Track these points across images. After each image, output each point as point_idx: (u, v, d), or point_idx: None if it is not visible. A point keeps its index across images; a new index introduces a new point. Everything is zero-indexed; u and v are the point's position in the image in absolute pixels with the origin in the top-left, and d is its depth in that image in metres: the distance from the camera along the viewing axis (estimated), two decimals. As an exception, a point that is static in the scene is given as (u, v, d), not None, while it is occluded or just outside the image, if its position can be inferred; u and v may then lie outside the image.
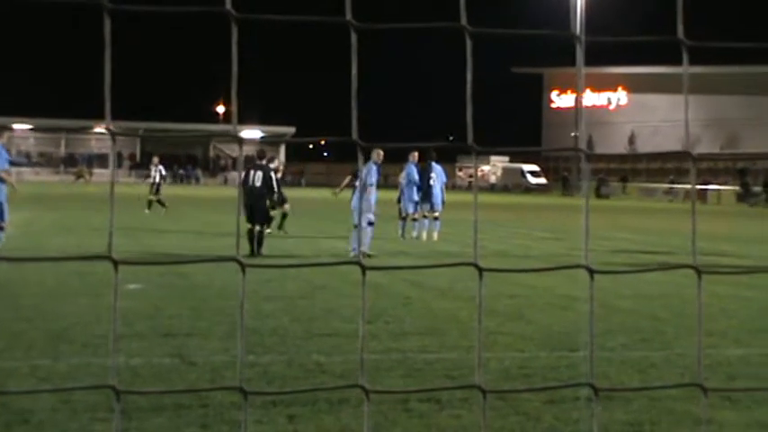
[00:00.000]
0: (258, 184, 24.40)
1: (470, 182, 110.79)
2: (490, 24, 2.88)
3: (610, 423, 8.81)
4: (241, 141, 2.64)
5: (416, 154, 31.94)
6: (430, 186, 31.59)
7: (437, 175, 32.19)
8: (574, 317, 14.60)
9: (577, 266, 2.77)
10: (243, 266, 2.30)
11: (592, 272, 2.61)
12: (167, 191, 46.58)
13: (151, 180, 45.43)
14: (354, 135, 2.65)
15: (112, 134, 2.26)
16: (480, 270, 2.58)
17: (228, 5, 2.18)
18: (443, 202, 31.60)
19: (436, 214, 31.54)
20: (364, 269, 2.53)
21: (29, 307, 14.21)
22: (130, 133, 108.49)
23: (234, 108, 2.41)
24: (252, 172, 24.86)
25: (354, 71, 2.44)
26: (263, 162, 25.50)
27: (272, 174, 25.34)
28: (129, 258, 15.37)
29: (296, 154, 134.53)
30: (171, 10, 2.46)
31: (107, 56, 2.18)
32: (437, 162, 32.68)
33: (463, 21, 2.40)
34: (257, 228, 23.99)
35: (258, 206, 24.34)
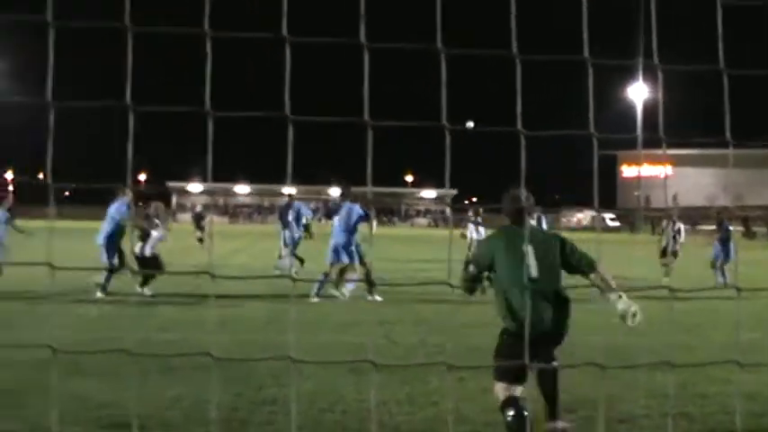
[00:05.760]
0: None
1: (566, 226, 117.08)
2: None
3: None
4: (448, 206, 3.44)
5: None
6: None
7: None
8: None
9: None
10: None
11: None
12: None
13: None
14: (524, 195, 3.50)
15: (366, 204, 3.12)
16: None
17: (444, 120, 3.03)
18: None
19: None
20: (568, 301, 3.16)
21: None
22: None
23: (446, 178, 3.26)
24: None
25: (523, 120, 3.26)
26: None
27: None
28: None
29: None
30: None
31: (369, 140, 3.04)
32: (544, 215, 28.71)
33: (591, 129, 3.21)
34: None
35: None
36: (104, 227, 16.77)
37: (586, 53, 3.18)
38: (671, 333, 12.91)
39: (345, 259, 17.09)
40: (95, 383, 8.47)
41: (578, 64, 3.33)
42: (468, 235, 21.89)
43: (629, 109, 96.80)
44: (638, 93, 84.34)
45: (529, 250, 6.39)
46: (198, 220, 40.95)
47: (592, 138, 3.29)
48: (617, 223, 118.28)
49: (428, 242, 52.07)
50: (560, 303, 6.45)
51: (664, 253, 24.56)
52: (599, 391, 8.24)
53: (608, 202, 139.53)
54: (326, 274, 16.97)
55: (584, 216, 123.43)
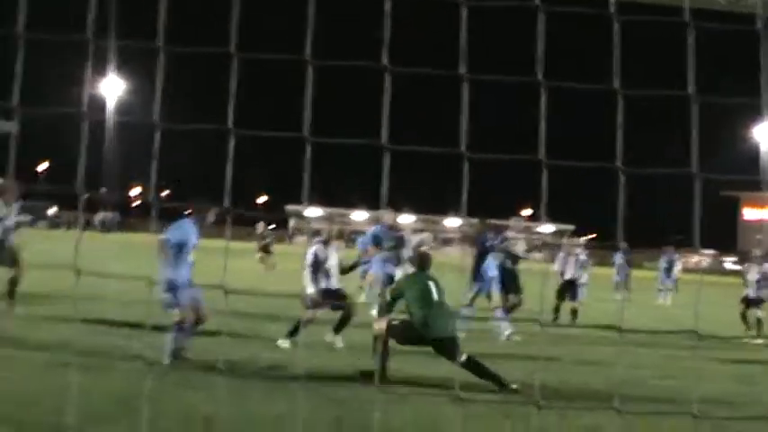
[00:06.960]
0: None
1: (684, 267, 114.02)
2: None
3: None
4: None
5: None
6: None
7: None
8: None
9: None
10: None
11: None
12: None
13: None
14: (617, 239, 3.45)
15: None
16: None
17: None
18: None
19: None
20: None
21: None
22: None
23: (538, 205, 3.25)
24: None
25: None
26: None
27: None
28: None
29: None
30: None
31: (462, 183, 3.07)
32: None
33: (694, 169, 3.15)
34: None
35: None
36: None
37: (690, 90, 3.13)
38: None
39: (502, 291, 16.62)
40: (202, 396, 8.69)
41: (701, 104, 3.28)
42: (557, 268, 21.18)
43: (754, 149, 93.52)
44: (764, 133, 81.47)
45: (431, 284, 10.84)
46: (264, 246, 36.27)
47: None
48: (738, 267, 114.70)
49: (538, 276, 51.05)
50: (448, 316, 10.69)
51: (746, 302, 20.68)
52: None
53: (728, 245, 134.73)
54: (507, 309, 16.54)
55: (701, 258, 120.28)
